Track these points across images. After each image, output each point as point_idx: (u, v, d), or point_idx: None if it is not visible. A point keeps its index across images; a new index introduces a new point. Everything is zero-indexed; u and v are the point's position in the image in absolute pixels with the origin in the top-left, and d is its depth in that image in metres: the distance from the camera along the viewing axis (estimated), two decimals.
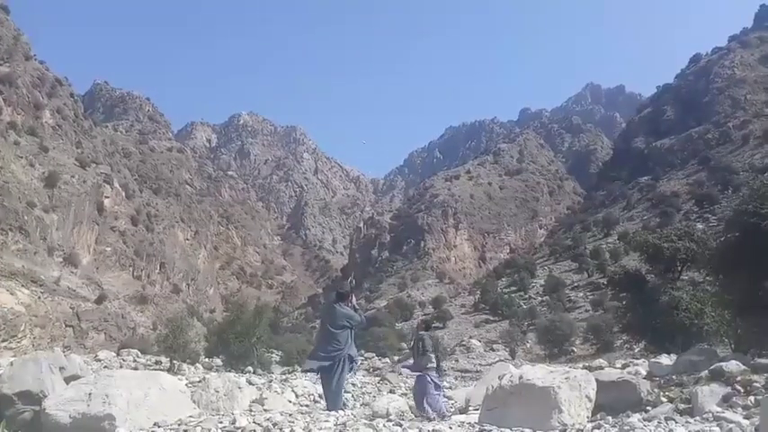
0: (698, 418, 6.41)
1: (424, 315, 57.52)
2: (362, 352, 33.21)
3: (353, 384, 16.23)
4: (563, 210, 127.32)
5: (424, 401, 8.74)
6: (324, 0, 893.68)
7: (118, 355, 25.63)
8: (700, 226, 41.99)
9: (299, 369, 11.04)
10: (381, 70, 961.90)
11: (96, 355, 24.52)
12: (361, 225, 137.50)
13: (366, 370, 24.77)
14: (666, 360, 10.66)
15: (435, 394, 8.96)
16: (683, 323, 16.80)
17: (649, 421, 6.33)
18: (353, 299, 8.56)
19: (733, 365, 7.43)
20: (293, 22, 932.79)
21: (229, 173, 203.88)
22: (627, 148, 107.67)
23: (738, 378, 7.19)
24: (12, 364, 7.55)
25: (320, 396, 10.73)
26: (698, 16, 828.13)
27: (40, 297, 41.36)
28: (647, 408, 7.15)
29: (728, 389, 6.95)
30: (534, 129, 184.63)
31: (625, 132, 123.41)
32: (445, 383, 18.23)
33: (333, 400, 7.97)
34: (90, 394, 6.46)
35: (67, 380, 7.62)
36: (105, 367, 18.16)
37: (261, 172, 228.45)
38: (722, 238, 16.47)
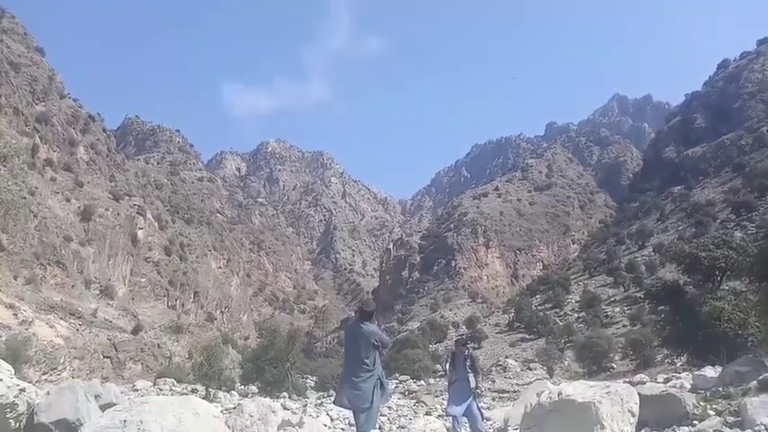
0: (749, 430, 6.14)
1: (459, 335, 56.77)
2: (397, 375, 32.88)
3: (389, 407, 16.03)
4: (595, 223, 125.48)
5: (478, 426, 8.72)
6: (346, 23, 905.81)
7: (154, 384, 25.87)
8: (738, 234, 40.93)
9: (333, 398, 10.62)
10: (404, 89, 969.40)
11: (134, 385, 24.80)
12: (391, 246, 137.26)
13: (401, 393, 24.44)
14: (711, 372, 10.26)
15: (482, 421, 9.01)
16: (726, 334, 16.21)
17: None
18: (376, 320, 7.84)
19: None
20: (312, 45, 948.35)
21: (259, 200, 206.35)
22: (657, 158, 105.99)
23: None
24: (48, 393, 7.61)
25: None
26: (723, 21, 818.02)
27: (78, 329, 42.11)
28: (694, 422, 6.87)
29: None
30: (562, 143, 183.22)
31: (655, 142, 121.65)
32: (482, 404, 17.90)
33: (366, 424, 7.37)
34: (125, 421, 6.45)
35: (103, 407, 7.64)
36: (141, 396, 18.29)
37: (290, 198, 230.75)
38: (763, 245, 15.99)
